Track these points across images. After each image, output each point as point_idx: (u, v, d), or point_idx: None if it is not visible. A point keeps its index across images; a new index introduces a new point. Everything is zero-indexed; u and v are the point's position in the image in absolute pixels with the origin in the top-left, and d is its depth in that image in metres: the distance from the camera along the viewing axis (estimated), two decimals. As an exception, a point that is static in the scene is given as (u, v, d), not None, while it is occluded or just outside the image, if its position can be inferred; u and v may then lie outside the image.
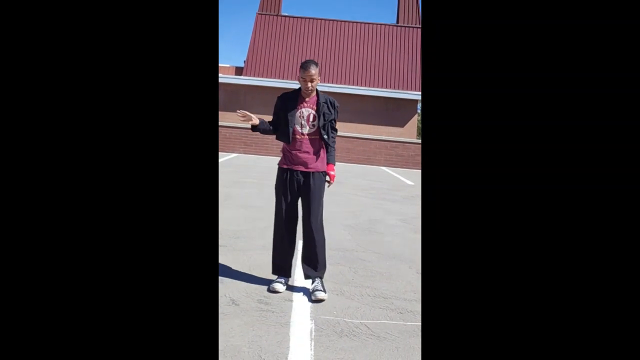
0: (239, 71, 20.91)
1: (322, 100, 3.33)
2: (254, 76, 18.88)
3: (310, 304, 3.09)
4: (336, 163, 3.55)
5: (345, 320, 2.87)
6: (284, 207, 3.31)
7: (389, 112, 18.13)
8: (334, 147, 3.45)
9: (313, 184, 3.29)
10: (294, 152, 3.30)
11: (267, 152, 16.01)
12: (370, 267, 4.08)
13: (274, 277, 3.43)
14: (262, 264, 3.86)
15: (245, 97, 17.44)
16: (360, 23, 20.84)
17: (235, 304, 2.97)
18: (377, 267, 4.07)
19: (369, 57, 20.05)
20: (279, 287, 3.28)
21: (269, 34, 20.12)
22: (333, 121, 3.38)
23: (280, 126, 3.36)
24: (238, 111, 3.37)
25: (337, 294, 3.31)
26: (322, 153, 3.35)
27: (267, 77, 19.02)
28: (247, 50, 21.89)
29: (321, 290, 3.19)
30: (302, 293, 3.26)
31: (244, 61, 19.92)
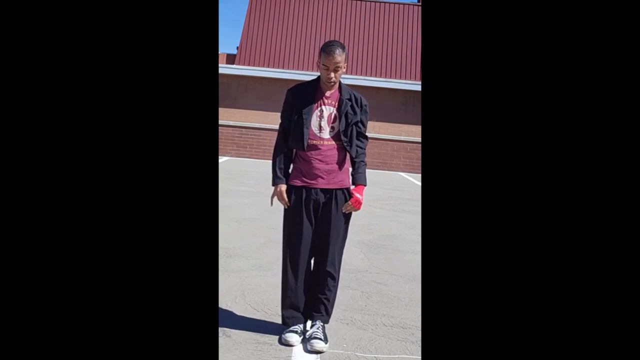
0: (230, 59, 21.03)
1: (345, 96, 3.02)
2: (249, 65, 18.97)
3: (315, 335, 3.10)
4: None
5: (356, 355, 2.88)
6: (298, 240, 3.00)
7: (408, 107, 18.15)
8: (364, 162, 3.10)
9: (335, 207, 3.00)
10: (310, 163, 2.98)
11: (264, 156, 16.06)
12: (387, 291, 4.09)
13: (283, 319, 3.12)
14: (257, 288, 3.88)
15: (238, 90, 17.53)
16: (374, 2, 20.93)
17: (227, 336, 2.99)
18: (394, 292, 4.08)
19: (384, 43, 20.11)
20: (294, 338, 2.95)
21: (265, 15, 20.26)
22: (360, 125, 3.05)
23: (292, 128, 3.03)
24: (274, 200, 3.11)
25: (347, 324, 3.33)
26: (348, 165, 3.06)
27: (263, 66, 19.12)
28: (240, 35, 22.01)
29: (321, 340, 2.91)
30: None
31: (237, 47, 20.05)
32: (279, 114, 3.20)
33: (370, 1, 20.85)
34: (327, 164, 2.99)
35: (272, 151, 3.15)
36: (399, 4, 20.87)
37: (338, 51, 2.89)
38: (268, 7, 20.20)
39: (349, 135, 3.01)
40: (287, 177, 3.05)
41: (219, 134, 16.09)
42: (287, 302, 3.05)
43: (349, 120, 3.00)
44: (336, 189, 3.01)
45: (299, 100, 3.02)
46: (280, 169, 3.03)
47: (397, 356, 2.90)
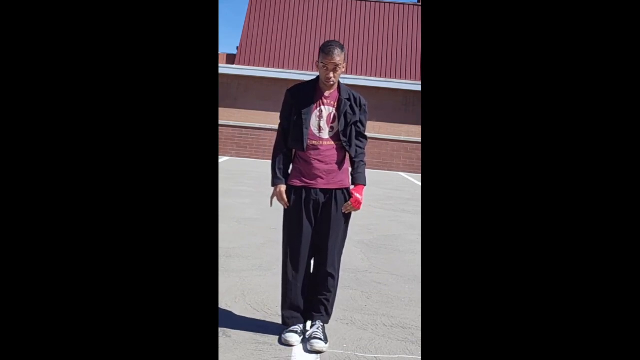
0: (230, 59, 21.03)
1: (344, 96, 3.03)
2: (249, 65, 18.97)
3: (315, 335, 3.10)
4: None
5: (357, 355, 2.88)
6: (298, 240, 3.00)
7: (408, 107, 18.15)
8: (363, 161, 3.10)
9: (335, 208, 3.00)
10: (309, 163, 2.98)
11: (264, 156, 16.05)
12: (387, 291, 4.09)
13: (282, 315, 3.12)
14: (257, 288, 3.88)
15: (238, 90, 17.54)
16: (374, 2, 20.93)
17: (227, 336, 3.00)
18: (394, 292, 4.09)
19: (384, 43, 20.11)
20: (294, 338, 2.95)
21: (265, 15, 20.25)
22: (359, 125, 3.05)
23: (291, 128, 3.03)
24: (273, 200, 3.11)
25: (347, 323, 3.33)
26: (348, 165, 3.06)
27: (263, 66, 19.12)
28: (240, 35, 22.01)
29: (321, 340, 2.91)
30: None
31: (237, 47, 20.05)
32: (278, 114, 3.20)
33: (370, 1, 20.84)
34: (327, 164, 2.99)
35: (272, 151, 3.15)
36: (399, 4, 20.87)
37: (337, 51, 2.90)
38: (268, 7, 20.20)
39: (348, 135, 3.01)
40: (287, 177, 3.06)
41: (219, 134, 16.08)
42: (287, 302, 3.05)
43: (348, 120, 3.00)
44: (336, 189, 3.01)
45: (298, 100, 3.02)
46: (279, 169, 3.04)
47: (397, 356, 2.90)
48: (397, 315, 3.56)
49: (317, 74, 3.06)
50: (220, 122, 16.23)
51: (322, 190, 3.00)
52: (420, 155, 16.45)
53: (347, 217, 3.08)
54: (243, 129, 16.87)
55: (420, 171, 16.24)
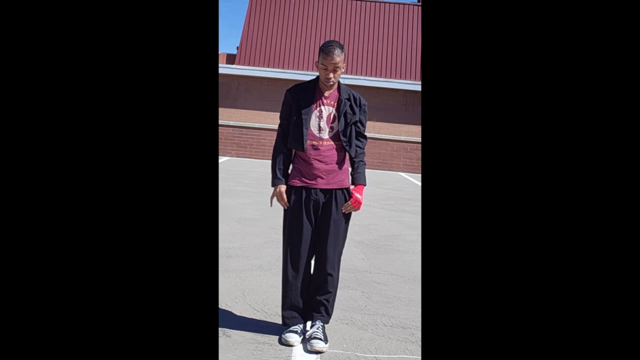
0: (230, 59, 21.03)
1: (343, 96, 3.03)
2: (249, 65, 18.97)
3: (315, 335, 3.09)
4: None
5: (357, 355, 2.88)
6: (298, 240, 3.01)
7: (408, 107, 18.15)
8: (363, 161, 3.10)
9: (335, 208, 3.01)
10: (309, 163, 2.99)
11: (264, 156, 16.06)
12: (387, 291, 4.09)
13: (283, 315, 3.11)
14: (257, 288, 3.88)
15: (238, 90, 17.54)
16: (374, 2, 20.93)
17: (227, 336, 3.00)
18: (394, 292, 4.09)
19: (384, 43, 20.11)
20: (294, 338, 2.95)
21: (265, 15, 20.25)
22: (359, 125, 3.06)
23: (291, 129, 3.04)
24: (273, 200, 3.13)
25: (347, 324, 3.33)
26: (348, 165, 3.07)
27: (263, 66, 19.12)
28: (240, 35, 22.01)
29: (321, 340, 2.91)
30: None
31: (237, 47, 20.05)
32: (278, 114, 3.20)
33: (370, 1, 20.83)
34: (327, 164, 2.99)
35: (271, 151, 3.16)
36: (399, 4, 20.87)
37: (337, 51, 2.90)
38: (268, 7, 20.20)
39: (348, 135, 3.02)
40: (287, 177, 3.06)
41: (219, 134, 16.09)
42: (287, 302, 3.05)
43: (348, 120, 3.01)
44: (336, 189, 3.02)
45: (298, 100, 3.03)
46: (279, 169, 3.04)
47: (397, 356, 2.90)
48: (397, 315, 3.56)
49: (317, 74, 3.06)
50: (220, 122, 16.23)
51: (322, 190, 3.00)
52: (420, 155, 16.46)
53: (347, 217, 3.08)
54: (243, 129, 16.88)
55: (420, 171, 16.25)
